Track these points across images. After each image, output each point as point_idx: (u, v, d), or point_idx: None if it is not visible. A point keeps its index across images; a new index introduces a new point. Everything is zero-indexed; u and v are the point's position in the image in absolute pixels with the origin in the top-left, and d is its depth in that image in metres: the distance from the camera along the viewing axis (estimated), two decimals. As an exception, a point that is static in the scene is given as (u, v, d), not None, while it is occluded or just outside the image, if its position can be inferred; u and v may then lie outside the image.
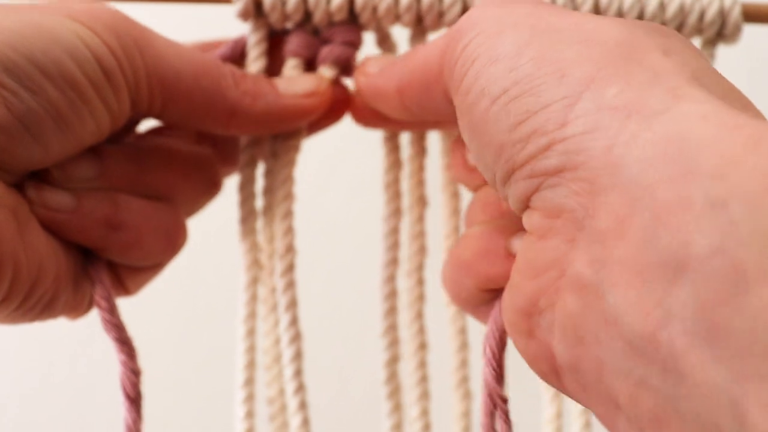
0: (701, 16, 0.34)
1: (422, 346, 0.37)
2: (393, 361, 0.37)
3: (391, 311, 0.37)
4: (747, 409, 0.17)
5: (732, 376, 0.17)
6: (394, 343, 0.37)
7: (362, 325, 0.37)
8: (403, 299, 0.37)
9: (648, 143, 0.21)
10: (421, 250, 0.37)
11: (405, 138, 0.38)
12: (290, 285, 0.36)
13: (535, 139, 0.24)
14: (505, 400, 0.29)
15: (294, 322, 0.36)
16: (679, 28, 0.34)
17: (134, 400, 0.33)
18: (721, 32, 0.34)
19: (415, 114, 0.33)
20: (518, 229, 0.30)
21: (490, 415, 0.29)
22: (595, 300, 0.21)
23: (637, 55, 0.24)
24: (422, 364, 0.37)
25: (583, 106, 0.23)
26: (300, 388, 0.36)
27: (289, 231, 0.36)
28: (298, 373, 0.36)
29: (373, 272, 0.38)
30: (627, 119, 0.22)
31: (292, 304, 0.36)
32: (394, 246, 0.37)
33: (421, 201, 0.37)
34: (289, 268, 0.36)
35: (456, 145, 0.34)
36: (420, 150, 0.37)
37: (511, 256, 0.29)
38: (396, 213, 0.37)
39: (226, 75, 0.34)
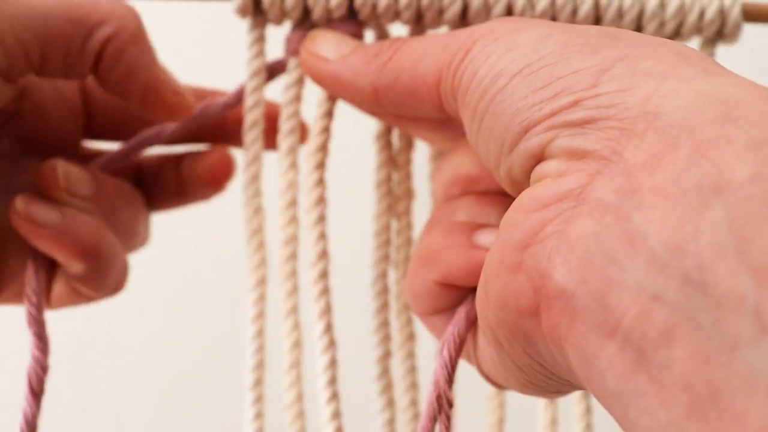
0: (701, 14, 0.34)
1: (410, 337, 0.37)
2: (385, 357, 0.37)
3: (383, 308, 0.37)
4: None
5: (757, 286, 0.18)
6: (386, 339, 0.37)
7: (366, 328, 0.37)
8: (392, 291, 0.37)
9: (689, 95, 0.21)
10: (408, 243, 0.37)
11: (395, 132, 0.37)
12: (324, 292, 0.35)
13: (560, 98, 0.24)
14: (451, 405, 0.29)
15: (328, 329, 0.35)
16: (679, 26, 0.34)
17: (37, 394, 0.34)
18: (720, 31, 0.34)
19: (389, 112, 0.32)
20: (480, 225, 0.30)
21: (433, 419, 0.29)
22: (617, 221, 0.21)
23: (665, 44, 0.24)
24: (410, 355, 0.37)
25: (617, 72, 0.23)
26: (334, 397, 0.35)
27: (322, 237, 0.36)
28: (332, 381, 0.35)
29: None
30: (664, 80, 0.22)
31: (327, 311, 0.35)
32: (385, 243, 0.37)
33: (409, 193, 0.37)
34: (323, 275, 0.35)
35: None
36: (408, 142, 0.37)
37: (474, 247, 0.29)
38: (387, 210, 0.37)
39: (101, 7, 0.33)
